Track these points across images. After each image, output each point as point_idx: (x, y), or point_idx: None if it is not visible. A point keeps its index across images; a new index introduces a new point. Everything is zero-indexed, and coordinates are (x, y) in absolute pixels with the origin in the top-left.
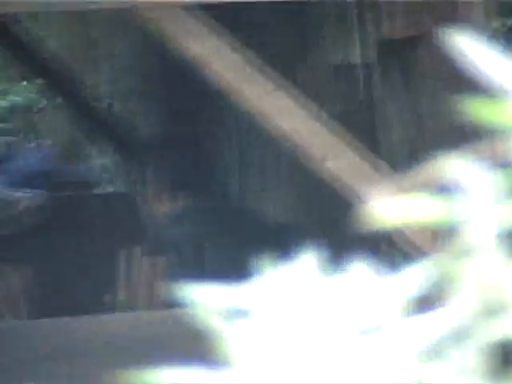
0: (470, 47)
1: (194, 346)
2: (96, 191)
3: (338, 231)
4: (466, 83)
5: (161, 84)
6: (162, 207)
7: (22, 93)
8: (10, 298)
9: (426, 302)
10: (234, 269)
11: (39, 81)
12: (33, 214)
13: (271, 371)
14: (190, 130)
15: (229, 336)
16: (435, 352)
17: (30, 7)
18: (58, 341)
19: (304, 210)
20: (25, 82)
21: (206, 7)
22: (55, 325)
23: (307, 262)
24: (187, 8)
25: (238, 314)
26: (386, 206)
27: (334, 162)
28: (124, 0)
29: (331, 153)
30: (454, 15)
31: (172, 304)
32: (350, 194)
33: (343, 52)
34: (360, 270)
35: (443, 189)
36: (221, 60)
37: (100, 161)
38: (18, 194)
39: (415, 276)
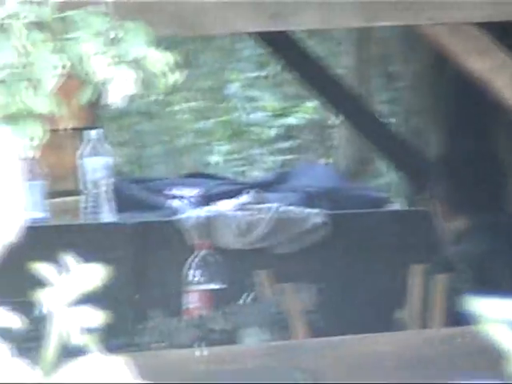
0: None
1: (486, 362)
2: (385, 208)
3: None
4: None
5: (448, 100)
6: (452, 223)
7: (311, 110)
8: (301, 316)
9: None
10: None
11: (327, 98)
12: (321, 230)
13: None
14: (479, 147)
15: None
16: None
17: (322, 24)
18: (349, 357)
19: None
20: (314, 100)
21: (488, 24)
22: (345, 342)
23: None
24: (473, 24)
25: None
26: None
27: None
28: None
29: None
30: None
31: (462, 321)
32: None
33: None
34: None
35: None
36: (505, 77)
37: (389, 177)
38: (307, 211)
39: None
